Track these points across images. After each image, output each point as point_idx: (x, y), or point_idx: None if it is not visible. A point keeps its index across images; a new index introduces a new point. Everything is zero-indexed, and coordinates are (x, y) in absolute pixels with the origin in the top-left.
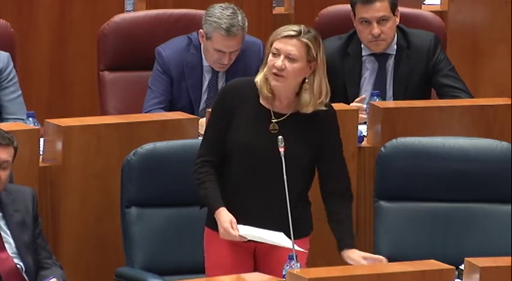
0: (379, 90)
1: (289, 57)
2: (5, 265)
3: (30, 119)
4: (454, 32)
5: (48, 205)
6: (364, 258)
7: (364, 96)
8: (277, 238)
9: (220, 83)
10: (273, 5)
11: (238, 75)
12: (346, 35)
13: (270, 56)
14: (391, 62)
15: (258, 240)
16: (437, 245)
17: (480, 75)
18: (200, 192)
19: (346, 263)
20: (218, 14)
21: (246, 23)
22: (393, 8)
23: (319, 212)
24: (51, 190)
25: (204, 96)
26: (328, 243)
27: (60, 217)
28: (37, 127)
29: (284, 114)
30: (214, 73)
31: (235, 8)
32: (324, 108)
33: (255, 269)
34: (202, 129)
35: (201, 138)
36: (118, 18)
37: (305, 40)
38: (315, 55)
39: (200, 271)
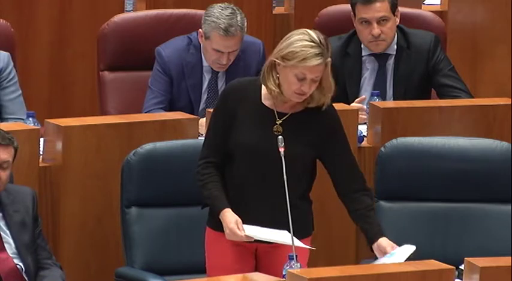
0: (379, 90)
1: (314, 80)
2: (4, 265)
3: (30, 119)
4: (454, 32)
5: (48, 205)
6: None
7: (364, 96)
8: (283, 237)
9: (220, 83)
10: (273, 5)
11: (238, 76)
12: (346, 35)
13: (294, 78)
14: (391, 62)
15: (264, 239)
16: (437, 245)
17: (480, 75)
18: (204, 193)
19: (346, 263)
20: (217, 14)
21: (245, 24)
22: (393, 8)
23: (319, 212)
24: (51, 190)
25: (204, 96)
26: (328, 243)
27: (60, 217)
28: (37, 127)
29: (286, 114)
30: (214, 73)
31: (234, 8)
32: (325, 106)
33: (257, 269)
34: (202, 129)
35: (201, 138)
36: (118, 18)
37: (328, 60)
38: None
39: (200, 271)
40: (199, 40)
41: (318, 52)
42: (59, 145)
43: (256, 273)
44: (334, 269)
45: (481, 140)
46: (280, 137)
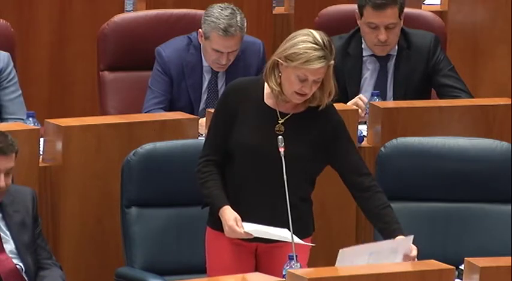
0: (380, 90)
1: (315, 81)
2: (4, 265)
3: (30, 119)
4: (454, 32)
5: (48, 205)
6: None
7: (360, 95)
8: (282, 234)
9: (220, 83)
10: (273, 5)
11: (238, 76)
12: (347, 35)
13: (296, 78)
14: (392, 63)
15: (263, 236)
16: (437, 245)
17: (480, 75)
18: (203, 191)
19: None
20: (217, 14)
21: (245, 24)
22: (400, 14)
23: (319, 212)
24: (51, 190)
25: (204, 96)
26: (328, 243)
27: (60, 217)
28: (37, 127)
29: (288, 114)
30: (214, 73)
31: (234, 8)
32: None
33: (256, 269)
34: (202, 129)
35: (201, 138)
36: (118, 18)
37: (331, 62)
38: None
39: (200, 271)
40: (199, 40)
41: (321, 55)
42: (59, 145)
43: (256, 273)
44: (334, 269)
45: (481, 140)
46: (280, 137)
